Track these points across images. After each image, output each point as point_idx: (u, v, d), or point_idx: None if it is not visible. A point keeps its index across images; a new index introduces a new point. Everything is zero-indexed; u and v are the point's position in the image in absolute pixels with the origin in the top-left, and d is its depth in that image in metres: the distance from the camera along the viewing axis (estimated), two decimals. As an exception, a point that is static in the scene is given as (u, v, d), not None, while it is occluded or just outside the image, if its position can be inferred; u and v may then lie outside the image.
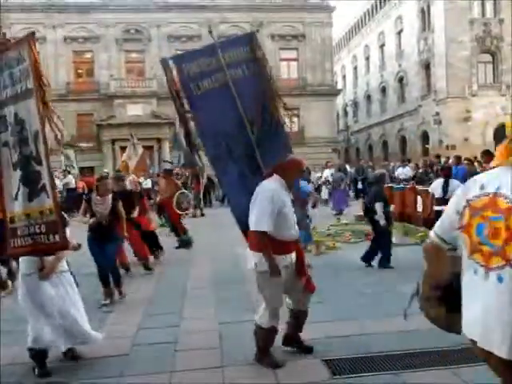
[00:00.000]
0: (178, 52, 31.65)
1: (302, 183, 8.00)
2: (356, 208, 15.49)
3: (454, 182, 8.35)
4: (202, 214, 17.99)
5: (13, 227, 3.73)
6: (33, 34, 3.70)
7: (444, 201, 8.10)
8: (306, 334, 4.76)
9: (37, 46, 3.68)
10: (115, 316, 5.82)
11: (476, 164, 13.52)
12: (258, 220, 3.86)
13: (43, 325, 4.05)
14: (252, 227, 3.91)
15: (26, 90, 3.58)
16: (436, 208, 8.15)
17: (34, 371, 4.10)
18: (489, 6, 31.12)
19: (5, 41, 3.73)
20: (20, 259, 4.10)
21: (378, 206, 7.85)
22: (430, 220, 9.73)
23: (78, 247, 5.42)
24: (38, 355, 4.11)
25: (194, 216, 17.37)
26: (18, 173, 3.66)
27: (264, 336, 4.10)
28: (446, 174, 8.51)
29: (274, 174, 4.06)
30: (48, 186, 3.64)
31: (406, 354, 4.25)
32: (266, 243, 3.87)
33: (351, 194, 23.68)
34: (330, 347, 4.48)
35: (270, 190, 3.96)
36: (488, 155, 10.76)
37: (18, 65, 3.59)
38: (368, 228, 11.59)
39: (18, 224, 3.70)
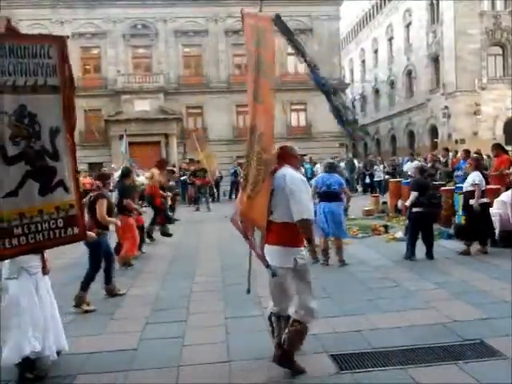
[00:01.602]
0: (185, 47, 31.77)
1: (336, 177, 8.07)
2: (364, 203, 15.44)
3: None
4: (197, 209, 17.79)
5: (3, 227, 3.38)
6: (67, 37, 3.73)
7: (484, 193, 8.19)
8: (313, 329, 4.76)
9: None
10: (123, 311, 5.86)
11: (486, 158, 13.43)
12: (305, 209, 3.71)
13: (47, 325, 3.97)
14: (300, 216, 3.69)
15: (45, 86, 3.53)
16: (483, 200, 8.11)
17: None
18: (499, -2, 30.79)
19: (11, 26, 3.66)
20: (24, 257, 3.83)
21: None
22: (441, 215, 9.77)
23: (95, 238, 5.54)
24: (29, 365, 3.93)
25: (197, 210, 17.46)
26: (22, 167, 3.50)
27: (304, 333, 3.88)
28: (479, 166, 8.49)
29: (285, 164, 3.95)
30: (68, 182, 3.63)
31: (413, 348, 4.24)
32: (311, 231, 3.88)
33: (359, 188, 23.64)
34: (337, 342, 4.49)
35: (303, 179, 3.94)
36: (499, 149, 10.67)
37: (33, 57, 3.50)
38: (375, 223, 11.61)
39: (14, 223, 3.43)
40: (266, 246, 3.90)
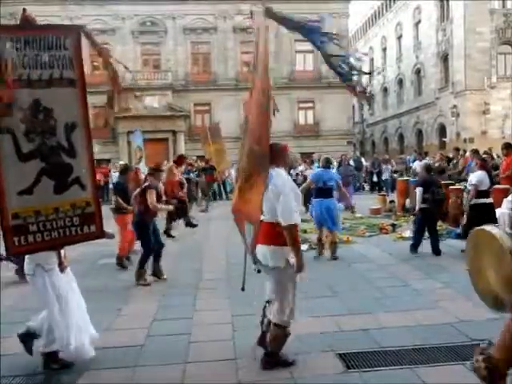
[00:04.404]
0: (194, 45, 31.76)
1: (331, 173, 8.33)
2: (371, 202, 15.40)
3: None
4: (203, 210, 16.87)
5: (19, 224, 3.42)
6: (83, 27, 3.69)
7: (489, 193, 8.13)
8: (320, 327, 4.77)
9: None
10: (130, 307, 5.89)
11: (496, 157, 13.33)
12: (291, 213, 3.69)
13: (67, 322, 3.99)
14: (286, 221, 3.68)
15: (60, 79, 3.48)
16: (478, 201, 8.00)
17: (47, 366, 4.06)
18: (509, -3, 30.51)
19: (27, 17, 3.52)
20: (40, 254, 3.84)
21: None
22: (449, 214, 9.75)
23: (113, 236, 5.55)
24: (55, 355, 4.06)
25: (203, 211, 16.22)
26: (38, 164, 3.45)
27: (284, 335, 3.93)
28: (485, 166, 8.47)
29: (274, 163, 3.84)
30: (84, 179, 3.60)
31: (421, 348, 4.23)
32: (297, 236, 3.81)
33: (366, 187, 23.55)
34: (343, 341, 4.48)
35: (290, 181, 3.93)
36: (509, 148, 10.57)
37: (48, 49, 3.43)
38: (382, 221, 11.57)
39: (29, 220, 3.44)
40: (258, 246, 3.86)
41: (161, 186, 7.31)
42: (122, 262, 8.05)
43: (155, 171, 7.31)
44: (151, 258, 7.10)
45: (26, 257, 3.96)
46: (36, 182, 3.47)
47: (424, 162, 10.71)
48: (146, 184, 7.05)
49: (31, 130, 3.43)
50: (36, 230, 3.48)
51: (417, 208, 8.30)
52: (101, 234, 3.82)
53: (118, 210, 8.17)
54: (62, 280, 4.04)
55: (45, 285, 3.93)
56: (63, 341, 3.93)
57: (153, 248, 7.03)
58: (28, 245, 3.47)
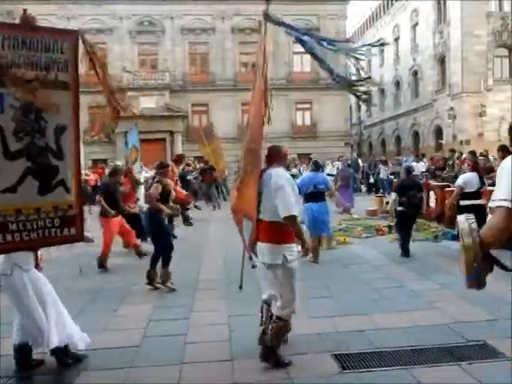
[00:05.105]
0: (192, 45, 31.74)
1: (321, 176, 8.43)
2: (368, 203, 15.43)
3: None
4: (215, 207, 17.56)
5: None
6: (81, 31, 3.70)
7: (479, 194, 8.10)
8: (316, 328, 4.78)
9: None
10: (126, 308, 5.88)
11: (491, 159, 13.39)
12: (290, 206, 3.78)
13: (49, 320, 3.95)
14: (285, 213, 3.76)
15: (55, 81, 3.49)
16: (466, 202, 7.96)
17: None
18: (506, 0, 30.59)
19: (27, 17, 3.52)
20: (18, 254, 3.78)
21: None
22: (445, 215, 9.80)
23: (92, 240, 5.52)
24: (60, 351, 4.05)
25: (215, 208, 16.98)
26: (24, 163, 3.41)
27: (284, 328, 4.03)
28: (476, 167, 8.50)
29: (274, 163, 4.07)
30: (70, 182, 3.59)
31: (416, 349, 4.24)
32: (299, 227, 3.96)
33: (363, 188, 23.58)
34: (339, 342, 4.48)
35: (288, 177, 4.04)
36: (505, 150, 10.63)
37: (46, 51, 3.44)
38: (379, 223, 11.60)
39: (9, 218, 3.38)
40: (258, 244, 4.01)
41: (171, 183, 7.26)
42: (103, 264, 7.98)
43: (162, 168, 7.19)
44: (150, 261, 6.82)
45: (2, 256, 3.86)
46: (20, 181, 3.43)
47: (422, 163, 10.78)
48: (156, 179, 6.96)
49: (21, 129, 3.41)
50: (15, 229, 3.42)
51: (388, 208, 8.50)
52: (80, 237, 3.80)
53: (102, 212, 8.09)
54: (40, 279, 4.03)
55: (24, 284, 3.87)
56: (48, 340, 3.92)
57: (170, 245, 6.85)
58: (6, 243, 3.40)
